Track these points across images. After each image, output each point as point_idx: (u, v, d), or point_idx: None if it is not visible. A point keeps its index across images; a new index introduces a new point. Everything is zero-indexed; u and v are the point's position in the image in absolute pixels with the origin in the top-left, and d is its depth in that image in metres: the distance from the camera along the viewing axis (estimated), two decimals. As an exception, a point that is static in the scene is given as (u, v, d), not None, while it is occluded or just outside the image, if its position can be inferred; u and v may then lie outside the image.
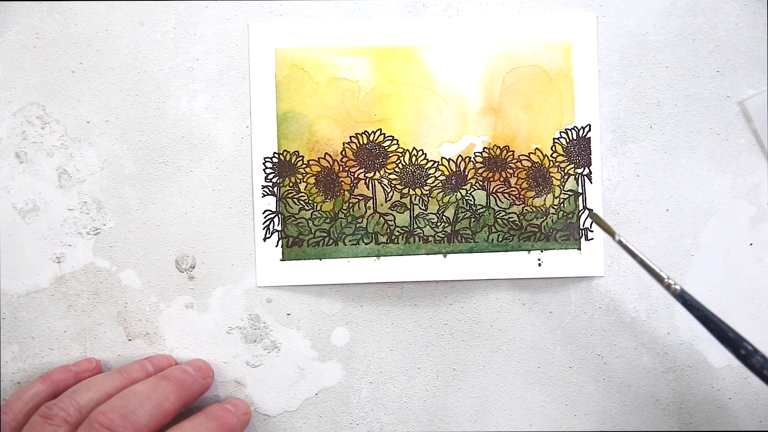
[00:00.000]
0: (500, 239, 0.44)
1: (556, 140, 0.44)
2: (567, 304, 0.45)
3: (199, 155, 0.44)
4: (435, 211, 0.44)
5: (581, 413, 0.45)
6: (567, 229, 0.44)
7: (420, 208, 0.44)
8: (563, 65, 0.44)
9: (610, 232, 0.39)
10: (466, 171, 0.44)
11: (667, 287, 0.37)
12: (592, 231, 0.44)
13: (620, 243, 0.38)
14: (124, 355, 0.44)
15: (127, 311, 0.44)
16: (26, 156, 0.44)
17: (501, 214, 0.44)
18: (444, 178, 0.44)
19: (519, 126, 0.44)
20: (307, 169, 0.44)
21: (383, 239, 0.44)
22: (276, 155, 0.44)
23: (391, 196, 0.44)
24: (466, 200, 0.44)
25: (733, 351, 0.35)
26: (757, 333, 0.45)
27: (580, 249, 0.44)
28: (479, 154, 0.44)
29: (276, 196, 0.44)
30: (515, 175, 0.44)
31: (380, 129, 0.44)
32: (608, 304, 0.45)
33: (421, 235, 0.44)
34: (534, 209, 0.44)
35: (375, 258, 0.44)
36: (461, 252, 0.44)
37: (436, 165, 0.44)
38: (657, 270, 0.37)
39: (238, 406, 0.43)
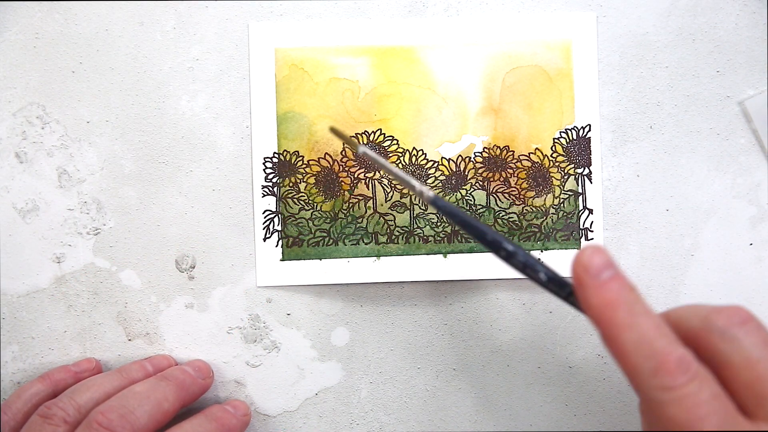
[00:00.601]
0: (500, 239, 0.44)
1: (556, 140, 0.44)
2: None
3: (199, 155, 0.44)
4: (435, 211, 0.44)
5: (581, 413, 0.45)
6: (567, 229, 0.44)
7: (420, 208, 0.44)
8: (563, 65, 0.44)
9: (353, 144, 0.37)
10: (466, 171, 0.44)
11: (420, 194, 0.35)
12: (592, 231, 0.44)
13: (364, 154, 0.36)
14: (124, 355, 0.44)
15: (127, 311, 0.44)
16: (26, 156, 0.44)
17: (501, 214, 0.44)
18: (444, 178, 0.44)
19: (519, 126, 0.44)
20: (307, 169, 0.44)
21: (383, 239, 0.44)
22: (276, 155, 0.44)
23: (391, 196, 0.44)
24: (466, 200, 0.44)
25: (495, 253, 0.33)
26: (757, 333, 0.45)
27: (580, 249, 0.44)
28: (479, 154, 0.44)
29: (276, 196, 0.44)
30: (515, 175, 0.44)
31: (380, 129, 0.44)
32: (608, 304, 0.45)
33: (421, 235, 0.44)
34: (534, 209, 0.44)
35: (375, 258, 0.44)
36: (461, 252, 0.44)
37: (436, 165, 0.44)
38: (406, 177, 0.36)
39: (237, 407, 0.43)
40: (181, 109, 0.44)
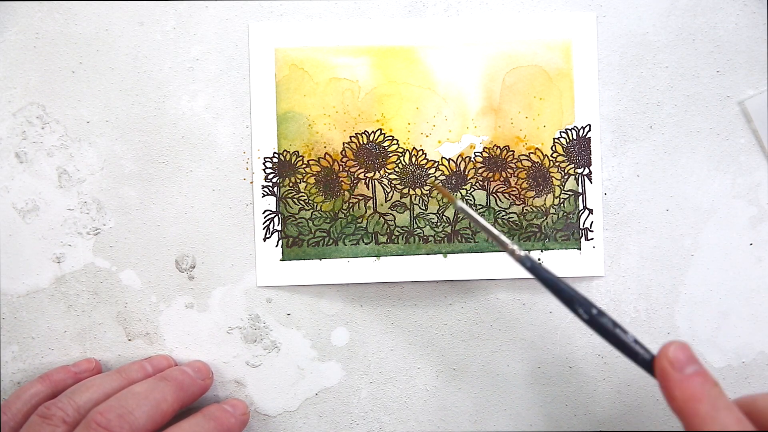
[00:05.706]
0: (500, 239, 0.44)
1: (556, 140, 0.44)
2: (567, 304, 0.45)
3: (199, 155, 0.44)
4: (435, 211, 0.44)
5: (581, 413, 0.45)
6: (567, 229, 0.44)
7: (420, 208, 0.44)
8: (563, 65, 0.44)
9: (449, 197, 0.39)
10: (466, 171, 0.44)
11: (512, 253, 0.36)
12: (592, 231, 0.44)
13: (460, 209, 0.38)
14: (124, 355, 0.44)
15: (127, 311, 0.44)
16: (26, 156, 0.44)
17: (501, 214, 0.44)
18: (444, 178, 0.44)
19: (519, 126, 0.44)
20: (307, 169, 0.44)
21: (383, 239, 0.44)
22: (276, 155, 0.44)
23: (391, 196, 0.44)
24: (466, 200, 0.44)
25: (580, 316, 0.35)
26: (757, 333, 0.45)
27: (580, 249, 0.44)
28: (479, 154, 0.44)
29: (276, 196, 0.44)
30: (515, 175, 0.44)
31: (380, 129, 0.44)
32: (608, 304, 0.45)
33: (421, 235, 0.44)
34: (534, 209, 0.44)
35: (375, 258, 0.44)
36: (461, 252, 0.44)
37: (436, 165, 0.44)
38: (499, 236, 0.37)
39: (236, 407, 0.43)
40: (181, 109, 0.44)
